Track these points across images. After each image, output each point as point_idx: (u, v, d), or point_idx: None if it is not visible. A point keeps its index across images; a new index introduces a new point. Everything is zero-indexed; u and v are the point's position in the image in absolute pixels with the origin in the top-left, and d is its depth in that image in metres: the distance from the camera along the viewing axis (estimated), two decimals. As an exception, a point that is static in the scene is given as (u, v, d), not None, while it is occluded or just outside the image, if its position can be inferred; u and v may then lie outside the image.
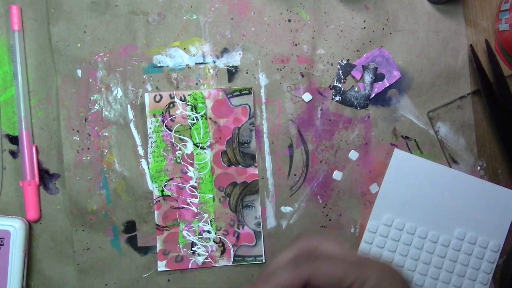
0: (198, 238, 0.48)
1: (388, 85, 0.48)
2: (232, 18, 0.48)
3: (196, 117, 0.48)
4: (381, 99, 0.48)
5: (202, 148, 0.48)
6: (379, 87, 0.48)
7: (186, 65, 0.48)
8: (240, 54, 0.48)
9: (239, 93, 0.48)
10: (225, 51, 0.48)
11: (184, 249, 0.48)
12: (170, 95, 0.47)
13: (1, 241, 0.45)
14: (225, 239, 0.48)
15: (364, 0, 0.48)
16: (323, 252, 0.34)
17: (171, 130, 0.48)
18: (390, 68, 0.48)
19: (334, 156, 0.49)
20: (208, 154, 0.48)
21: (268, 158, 0.48)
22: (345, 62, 0.48)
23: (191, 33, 0.48)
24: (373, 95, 0.48)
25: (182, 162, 0.48)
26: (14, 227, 0.46)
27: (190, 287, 0.48)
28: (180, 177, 0.48)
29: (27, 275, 0.47)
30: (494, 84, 0.47)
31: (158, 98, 0.48)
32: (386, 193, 0.48)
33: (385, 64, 0.48)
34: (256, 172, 0.48)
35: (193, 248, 0.48)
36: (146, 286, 0.48)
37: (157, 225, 0.48)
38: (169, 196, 0.48)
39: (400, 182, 0.48)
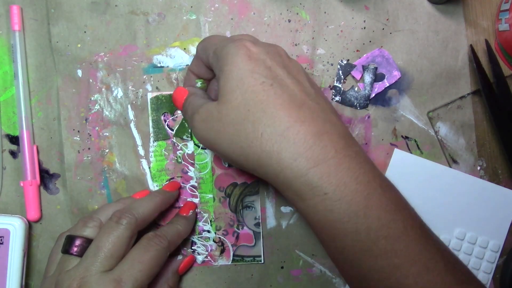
0: (198, 237, 0.48)
1: (388, 85, 0.48)
2: (232, 18, 0.48)
3: None
4: (381, 99, 0.48)
5: (203, 148, 0.48)
6: (379, 87, 0.48)
7: (186, 65, 0.48)
8: (240, 54, 0.48)
9: None
10: (225, 51, 0.48)
11: (184, 248, 0.48)
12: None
13: (1, 240, 0.45)
14: (224, 239, 0.48)
15: (364, 0, 0.48)
16: None
17: (172, 130, 0.48)
18: (390, 68, 0.48)
19: (334, 156, 0.49)
20: (208, 154, 0.48)
21: (268, 158, 0.48)
22: (345, 62, 0.48)
23: (191, 33, 0.48)
24: (373, 95, 0.48)
25: (183, 162, 0.48)
26: (14, 225, 0.46)
27: (190, 287, 0.48)
28: (181, 176, 0.48)
29: (26, 275, 0.47)
30: (494, 84, 0.47)
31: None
32: None
33: (385, 64, 0.48)
34: None
35: (192, 247, 0.48)
36: (146, 286, 0.48)
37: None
38: None
39: (400, 182, 0.47)
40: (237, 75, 0.35)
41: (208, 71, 0.43)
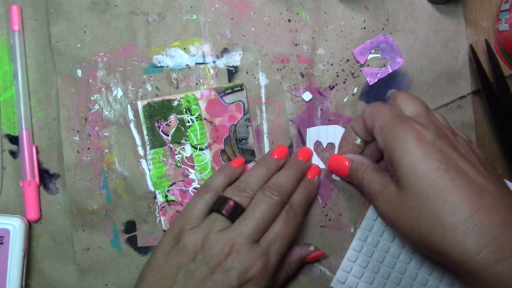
0: None
1: (391, 71, 0.48)
2: (232, 18, 0.48)
3: (191, 119, 0.48)
4: (381, 99, 0.48)
5: (201, 149, 0.48)
6: (382, 72, 0.48)
7: (186, 65, 0.48)
8: (240, 54, 0.48)
9: (231, 90, 0.48)
10: (225, 51, 0.48)
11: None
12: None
13: (1, 240, 0.45)
14: None
15: (364, 0, 0.48)
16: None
17: (167, 135, 0.48)
18: (394, 54, 0.48)
19: (334, 156, 0.49)
20: (207, 155, 0.48)
21: (268, 158, 0.48)
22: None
23: (191, 33, 0.48)
24: (375, 81, 0.48)
25: (182, 166, 0.48)
26: (14, 225, 0.46)
27: (190, 287, 0.48)
28: (182, 180, 0.48)
29: (27, 275, 0.47)
30: (494, 84, 0.47)
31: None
32: None
33: (389, 50, 0.48)
34: None
35: None
36: (146, 286, 0.48)
37: (164, 231, 0.48)
38: (173, 200, 0.48)
39: None
40: (409, 162, 0.35)
41: (368, 135, 0.42)
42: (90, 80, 0.48)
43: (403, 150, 0.36)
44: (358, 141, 0.44)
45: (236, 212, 0.41)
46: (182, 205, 0.48)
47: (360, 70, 0.48)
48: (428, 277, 0.46)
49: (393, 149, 0.37)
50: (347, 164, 0.44)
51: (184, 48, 0.48)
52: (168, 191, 0.48)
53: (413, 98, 0.41)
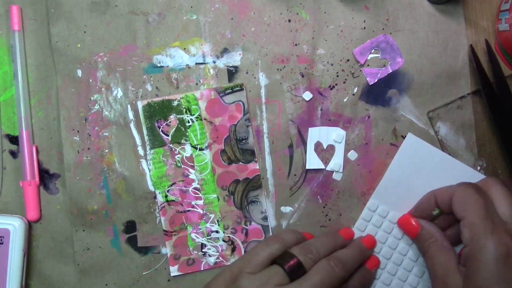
0: (207, 239, 0.48)
1: (391, 71, 0.48)
2: (232, 18, 0.48)
3: (191, 119, 0.48)
4: (381, 99, 0.48)
5: (201, 149, 0.48)
6: (382, 72, 0.48)
7: (186, 65, 0.48)
8: (240, 54, 0.48)
9: (231, 90, 0.48)
10: (225, 51, 0.48)
11: (195, 252, 0.48)
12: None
13: (1, 240, 0.45)
14: (234, 237, 0.48)
15: (364, 0, 0.48)
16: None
17: (167, 135, 0.48)
18: (394, 54, 0.48)
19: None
20: (207, 155, 0.48)
21: (268, 158, 0.48)
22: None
23: (191, 33, 0.48)
24: (376, 80, 0.48)
25: (182, 166, 0.48)
26: (14, 225, 0.46)
27: (190, 287, 0.48)
28: (182, 180, 0.48)
29: (27, 275, 0.47)
30: (494, 84, 0.47)
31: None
32: (391, 178, 0.47)
33: (389, 50, 0.48)
34: (257, 167, 0.48)
35: (203, 250, 0.48)
36: (146, 286, 0.48)
37: (164, 230, 0.48)
38: (173, 200, 0.48)
39: (407, 166, 0.47)
40: (484, 278, 0.36)
41: (449, 211, 0.42)
42: (90, 80, 0.48)
43: (486, 264, 0.36)
44: (436, 212, 0.44)
45: (297, 271, 0.41)
46: (182, 205, 0.48)
47: (360, 70, 0.48)
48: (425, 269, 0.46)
49: (475, 254, 0.37)
50: (416, 226, 0.45)
51: (184, 48, 0.48)
52: (168, 191, 0.48)
53: (509, 196, 0.40)
